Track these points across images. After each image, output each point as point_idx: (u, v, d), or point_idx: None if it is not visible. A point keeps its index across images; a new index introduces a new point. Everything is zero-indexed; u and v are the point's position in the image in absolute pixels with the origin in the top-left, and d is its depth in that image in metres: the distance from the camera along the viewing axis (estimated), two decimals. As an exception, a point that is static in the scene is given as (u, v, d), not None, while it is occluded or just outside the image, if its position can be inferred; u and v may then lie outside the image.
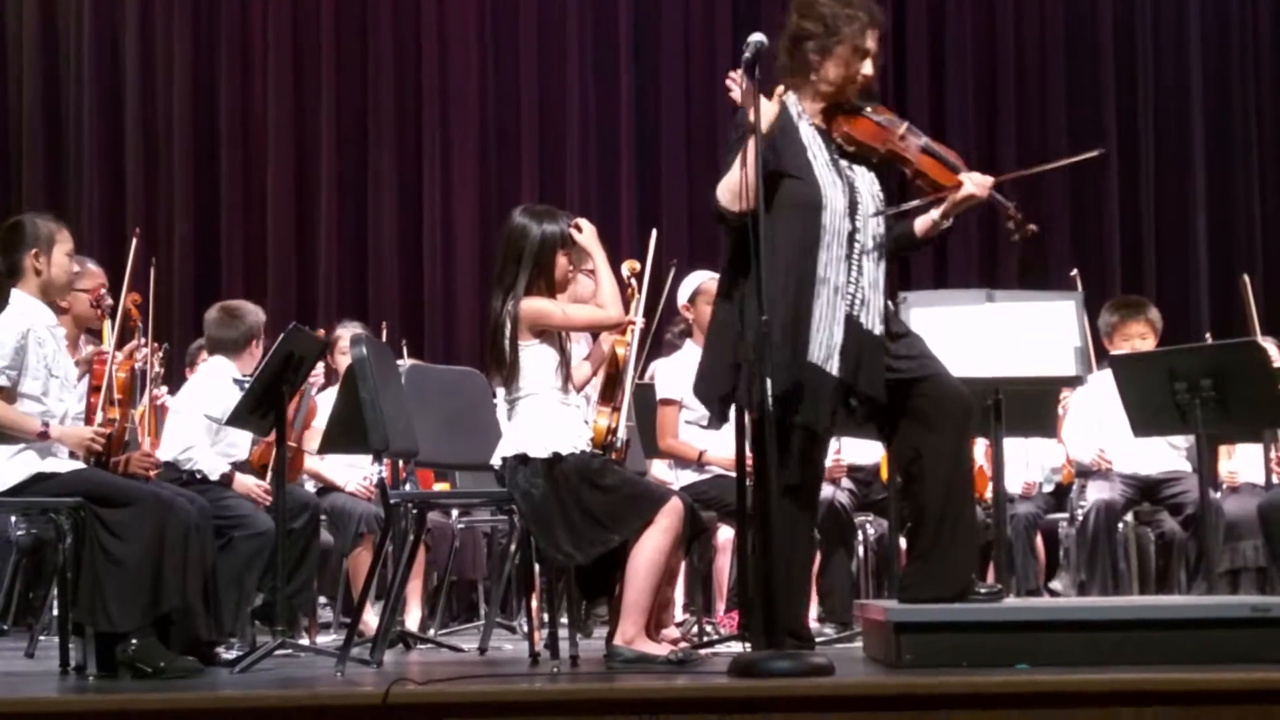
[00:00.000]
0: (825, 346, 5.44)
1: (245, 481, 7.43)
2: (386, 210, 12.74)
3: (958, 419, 5.59)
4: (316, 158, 12.77)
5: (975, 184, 5.69)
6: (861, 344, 5.48)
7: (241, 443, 7.59)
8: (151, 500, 5.83)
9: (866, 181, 5.65)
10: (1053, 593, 9.01)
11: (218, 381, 7.53)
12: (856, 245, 5.55)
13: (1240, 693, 4.56)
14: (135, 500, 5.80)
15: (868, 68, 5.69)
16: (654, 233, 7.76)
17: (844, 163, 5.64)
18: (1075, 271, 9.54)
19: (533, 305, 5.85)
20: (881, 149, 5.69)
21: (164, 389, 7.95)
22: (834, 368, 5.43)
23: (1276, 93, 13.25)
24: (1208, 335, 9.39)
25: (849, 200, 5.55)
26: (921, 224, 5.73)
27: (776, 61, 5.69)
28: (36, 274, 6.16)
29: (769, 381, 5.11)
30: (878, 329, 5.54)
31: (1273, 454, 8.07)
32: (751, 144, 5.26)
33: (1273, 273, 12.77)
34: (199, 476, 7.28)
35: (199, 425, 7.39)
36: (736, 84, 5.48)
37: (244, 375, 7.60)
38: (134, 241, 7.30)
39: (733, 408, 5.60)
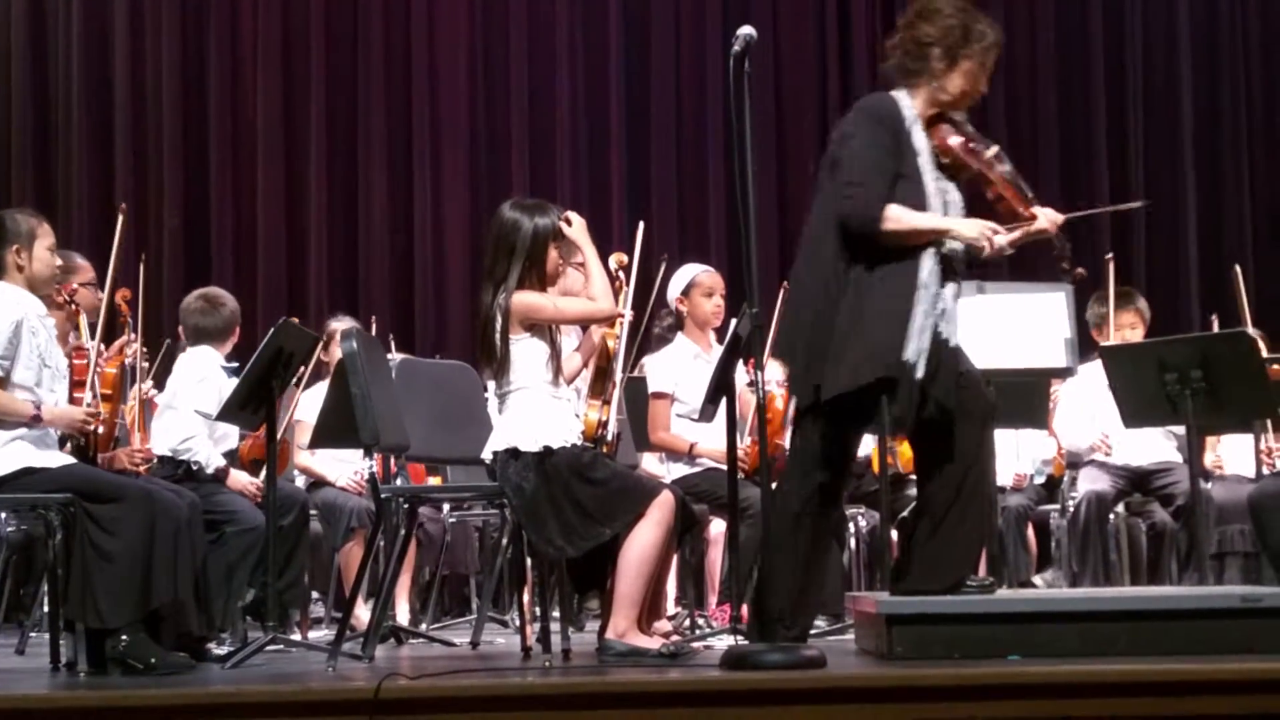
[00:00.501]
0: (917, 349, 5.46)
1: (239, 478, 7.41)
2: (377, 205, 12.72)
3: (980, 417, 5.66)
4: (306, 151, 12.73)
5: (1048, 220, 5.74)
6: (940, 352, 5.51)
7: (232, 433, 7.58)
8: (141, 496, 5.82)
9: (957, 197, 5.70)
10: (1034, 586, 9.03)
11: (207, 371, 7.51)
12: (953, 256, 5.58)
13: (1231, 683, 4.57)
14: (125, 496, 5.79)
15: (984, 85, 5.75)
16: (641, 225, 7.76)
17: (941, 174, 5.67)
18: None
19: (524, 299, 5.85)
20: (973, 168, 5.73)
21: (150, 383, 7.92)
22: (919, 370, 5.46)
23: (1266, 84, 13.26)
24: (1216, 323, 9.34)
25: (945, 213, 5.59)
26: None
27: (888, 60, 5.81)
28: (19, 269, 6.15)
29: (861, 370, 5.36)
30: (954, 340, 5.58)
31: (1262, 444, 8.07)
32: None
33: (1262, 265, 12.79)
34: (195, 468, 7.25)
35: (196, 416, 7.36)
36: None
37: (229, 362, 7.60)
38: (119, 219, 7.24)
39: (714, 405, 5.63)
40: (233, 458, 7.55)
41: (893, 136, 5.58)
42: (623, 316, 6.86)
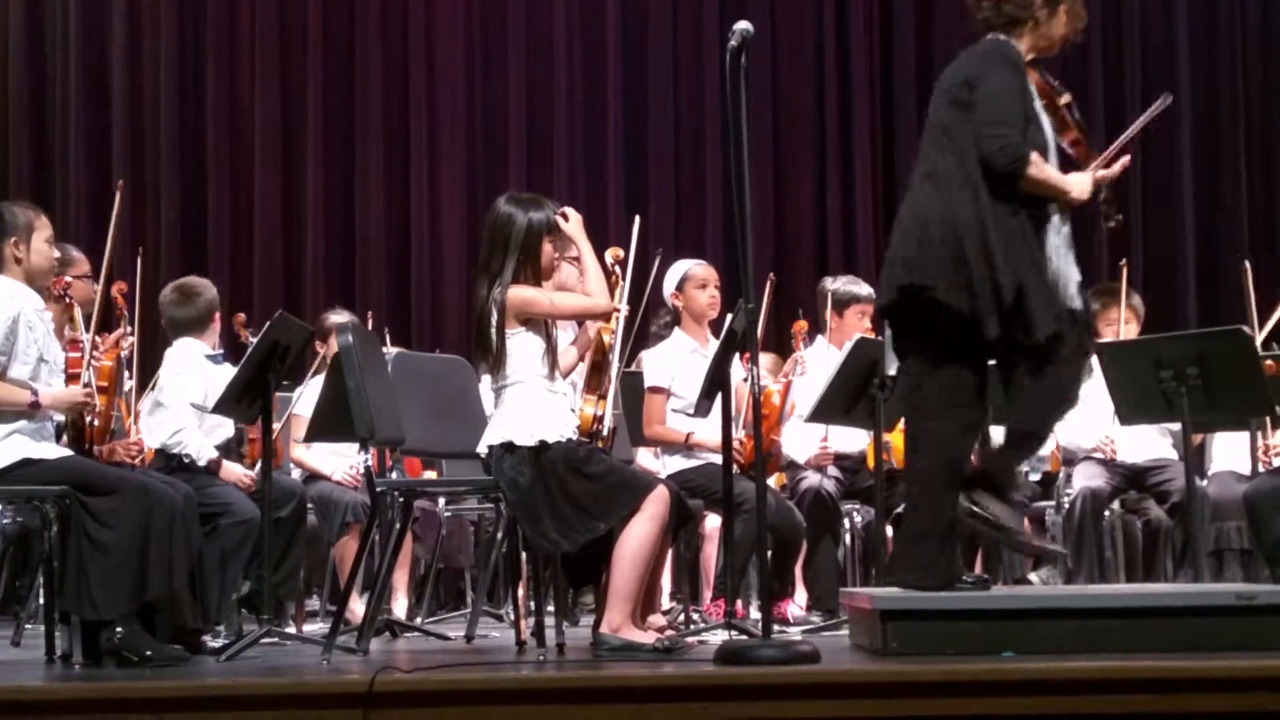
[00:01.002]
0: (1064, 288, 5.64)
1: (233, 469, 7.40)
2: (373, 200, 12.71)
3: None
4: (303, 145, 12.72)
5: (1121, 165, 5.93)
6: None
7: (226, 424, 7.55)
8: (137, 488, 5.82)
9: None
10: (1029, 583, 9.02)
11: (189, 362, 7.49)
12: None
13: (1225, 680, 4.57)
14: (121, 488, 5.79)
15: (1081, 27, 5.92)
16: (637, 219, 7.76)
17: None
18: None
19: (520, 293, 5.85)
20: (1060, 113, 5.83)
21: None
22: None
23: (1265, 79, 13.27)
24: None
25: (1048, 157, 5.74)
26: None
27: (981, 11, 5.80)
28: (17, 262, 6.15)
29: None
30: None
31: (1259, 442, 8.07)
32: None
33: (1260, 264, 12.78)
34: (187, 461, 7.24)
35: (186, 409, 7.35)
36: None
37: (214, 350, 7.58)
38: (116, 196, 7.19)
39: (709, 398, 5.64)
40: (227, 450, 7.53)
41: (1022, 80, 5.68)
42: (618, 311, 6.86)
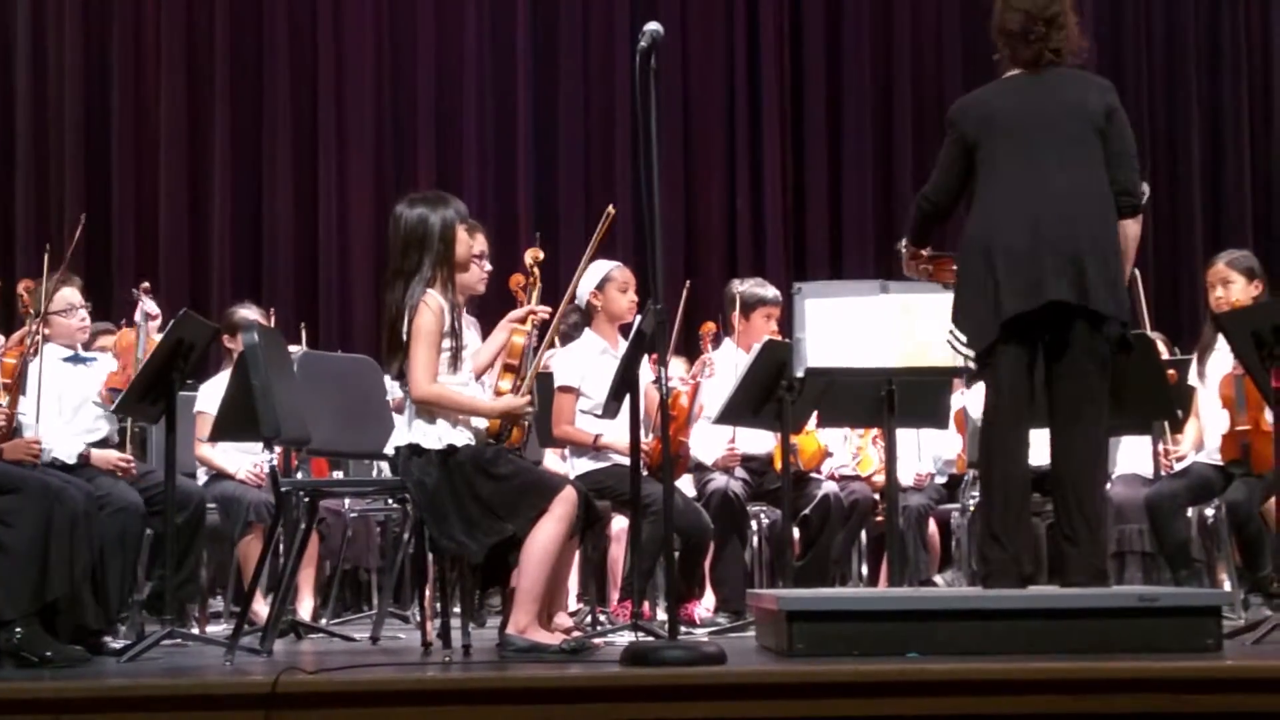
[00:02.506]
0: None
1: (106, 455, 7.27)
2: (280, 199, 12.64)
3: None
4: (210, 145, 12.64)
5: None
6: None
7: (102, 427, 7.44)
8: (38, 487, 5.76)
9: None
10: (935, 585, 9.07)
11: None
12: None
13: (1128, 681, 4.61)
14: (22, 487, 5.73)
15: None
16: (611, 208, 7.60)
17: None
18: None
19: (420, 313, 5.77)
20: None
21: None
22: None
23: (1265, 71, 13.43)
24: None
25: None
26: None
27: (1068, 51, 6.12)
28: None
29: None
30: None
31: (1160, 446, 8.15)
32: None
33: (1162, 270, 12.93)
34: (57, 464, 7.09)
35: (42, 412, 7.21)
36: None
37: (73, 350, 7.48)
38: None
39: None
40: (104, 443, 7.39)
41: None
42: (535, 314, 6.80)
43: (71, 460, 7.14)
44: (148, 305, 7.61)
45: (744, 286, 8.59)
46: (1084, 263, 5.83)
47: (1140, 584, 7.89)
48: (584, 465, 7.77)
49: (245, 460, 8.35)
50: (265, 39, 12.84)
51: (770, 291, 8.51)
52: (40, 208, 12.22)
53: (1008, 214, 5.91)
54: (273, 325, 8.94)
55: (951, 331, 6.07)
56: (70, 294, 7.45)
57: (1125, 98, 5.84)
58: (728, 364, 8.23)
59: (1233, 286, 7.85)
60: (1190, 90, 13.36)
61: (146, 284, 7.64)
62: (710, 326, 8.44)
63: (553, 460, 8.57)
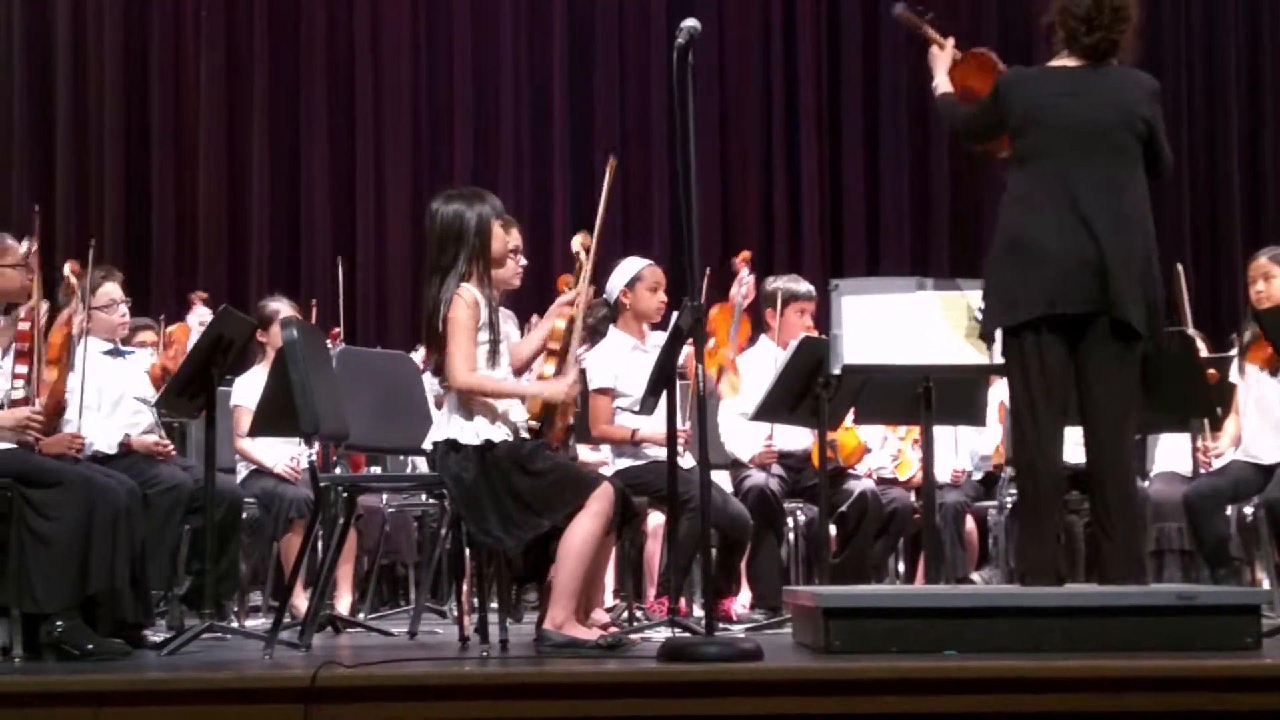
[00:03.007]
0: None
1: (144, 440, 7.32)
2: (318, 197, 12.70)
3: None
4: (248, 141, 12.70)
5: None
6: None
7: (142, 420, 7.49)
8: (80, 481, 5.79)
9: None
10: (972, 583, 9.05)
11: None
12: None
13: (1166, 680, 4.60)
14: (64, 481, 5.76)
15: None
16: (611, 158, 7.55)
17: None
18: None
19: (455, 312, 5.78)
20: None
21: None
22: None
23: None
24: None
25: None
26: None
27: (1121, 43, 6.12)
28: None
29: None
30: None
31: (1199, 443, 8.12)
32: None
33: (1202, 268, 12.89)
34: (98, 456, 7.14)
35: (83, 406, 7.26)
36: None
37: (113, 344, 7.50)
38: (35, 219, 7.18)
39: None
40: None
41: None
42: (573, 307, 6.75)
43: (112, 450, 7.19)
44: (202, 313, 7.64)
45: (778, 283, 8.58)
46: (1118, 273, 5.82)
47: (1179, 582, 7.87)
48: (622, 461, 7.77)
49: (283, 454, 8.38)
50: (303, 38, 12.89)
51: (804, 287, 8.51)
52: (80, 205, 12.28)
53: (1045, 214, 5.90)
54: (313, 319, 8.97)
55: (979, 309, 6.12)
56: (112, 289, 7.50)
57: (1164, 94, 5.84)
58: (765, 360, 8.23)
59: (1274, 281, 7.81)
60: (1230, 85, 13.31)
61: (205, 294, 7.68)
62: (746, 254, 8.52)
63: (587, 453, 8.56)
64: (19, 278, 6.35)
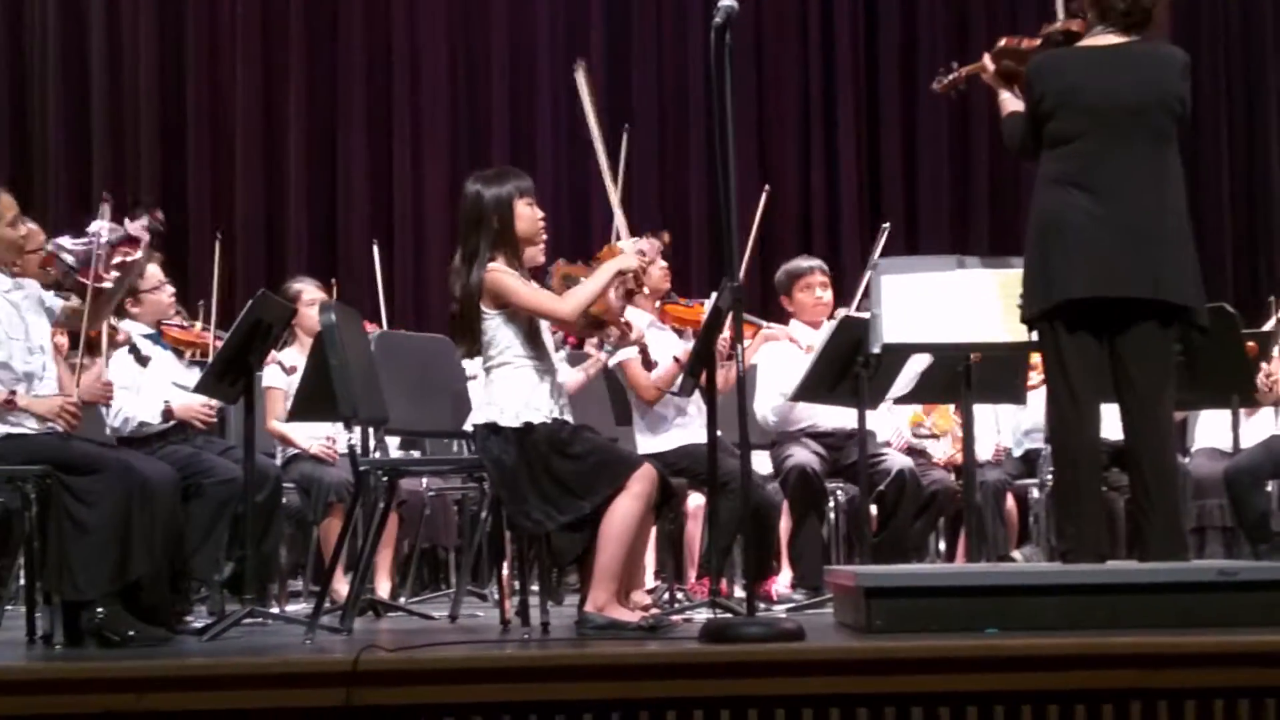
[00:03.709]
0: None
1: (188, 404, 7.32)
2: (356, 183, 12.72)
3: None
4: (284, 126, 12.72)
5: None
6: None
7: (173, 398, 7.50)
8: (120, 467, 5.80)
9: None
10: (1013, 561, 9.03)
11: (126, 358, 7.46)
12: None
13: (1208, 656, 4.58)
14: (103, 468, 5.77)
15: None
16: (626, 129, 7.48)
17: None
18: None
19: (495, 279, 5.81)
20: None
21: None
22: None
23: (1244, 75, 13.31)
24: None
25: None
26: None
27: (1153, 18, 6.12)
28: None
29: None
30: None
31: (1261, 370, 8.06)
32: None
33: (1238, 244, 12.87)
34: (145, 430, 7.18)
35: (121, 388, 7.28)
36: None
37: (151, 329, 7.52)
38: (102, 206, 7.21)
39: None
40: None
41: None
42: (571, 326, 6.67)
43: (156, 420, 7.19)
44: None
45: (781, 271, 8.53)
46: (1153, 253, 5.82)
47: (1221, 559, 7.84)
48: (661, 444, 7.77)
49: (316, 433, 8.38)
50: (340, 22, 12.89)
51: (806, 263, 8.44)
52: (117, 190, 12.27)
53: (1079, 196, 5.88)
54: (334, 299, 8.97)
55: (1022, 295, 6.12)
56: (156, 270, 7.52)
57: (1201, 73, 5.81)
58: (802, 340, 8.21)
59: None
60: (1269, 61, 13.25)
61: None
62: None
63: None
64: (11, 235, 6.30)
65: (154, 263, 7.53)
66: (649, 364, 7.62)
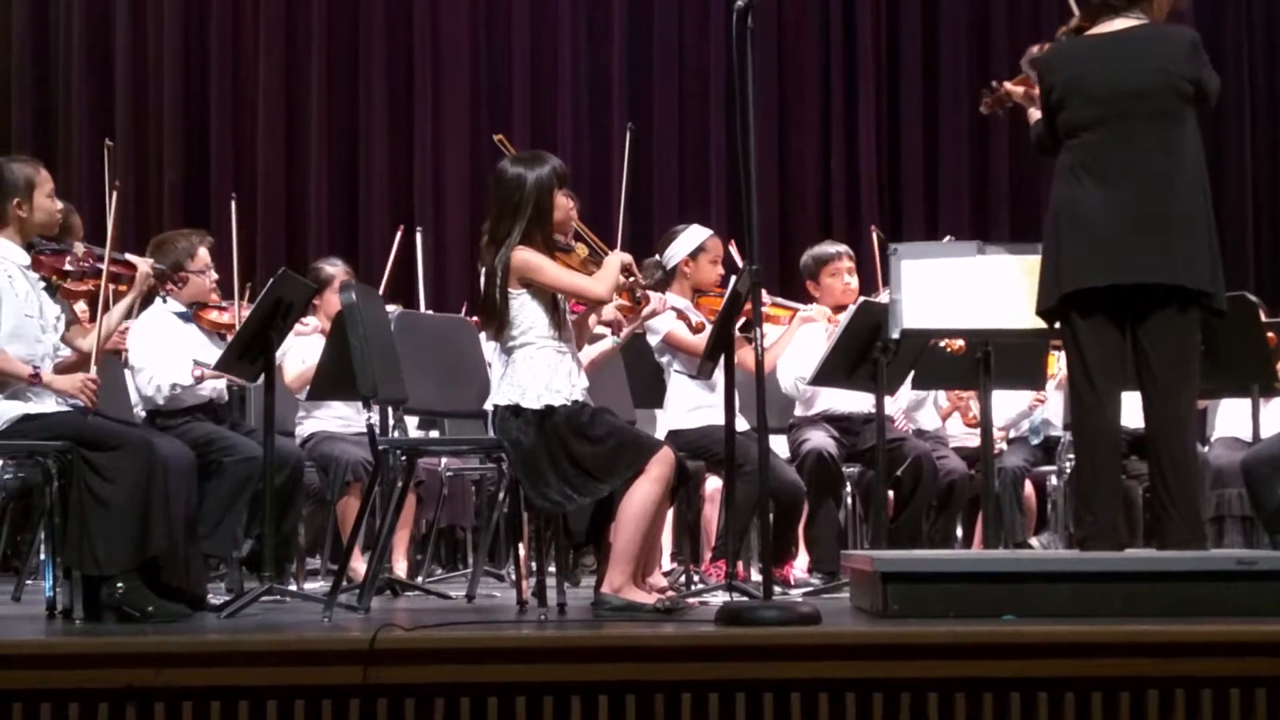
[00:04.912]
0: None
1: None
2: (376, 162, 12.72)
3: None
4: (306, 106, 12.72)
5: None
6: None
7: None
8: (140, 443, 5.81)
9: None
10: (1030, 548, 9.03)
11: (153, 318, 7.49)
12: None
13: (1225, 645, 4.58)
14: (123, 443, 5.78)
15: None
16: (629, 128, 7.46)
17: None
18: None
19: (525, 256, 5.84)
20: None
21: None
22: None
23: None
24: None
25: None
26: None
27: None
28: (19, 220, 6.14)
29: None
30: None
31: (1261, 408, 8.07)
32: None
33: (1263, 234, 12.83)
34: (178, 396, 7.21)
35: (137, 355, 7.30)
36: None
37: (185, 308, 7.53)
38: (105, 152, 7.22)
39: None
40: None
41: None
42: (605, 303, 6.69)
43: (188, 381, 7.19)
44: None
45: (808, 255, 8.51)
46: (1170, 239, 5.81)
47: (1239, 548, 7.83)
48: (686, 421, 7.77)
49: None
50: (362, 4, 12.88)
51: (831, 249, 8.42)
52: (139, 172, 12.32)
53: (1093, 184, 5.88)
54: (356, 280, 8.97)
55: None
56: (206, 254, 7.52)
57: (1224, 59, 5.79)
58: (816, 328, 8.19)
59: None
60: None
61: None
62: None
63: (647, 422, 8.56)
64: (51, 208, 6.31)
65: (205, 246, 7.55)
66: (692, 327, 7.66)
